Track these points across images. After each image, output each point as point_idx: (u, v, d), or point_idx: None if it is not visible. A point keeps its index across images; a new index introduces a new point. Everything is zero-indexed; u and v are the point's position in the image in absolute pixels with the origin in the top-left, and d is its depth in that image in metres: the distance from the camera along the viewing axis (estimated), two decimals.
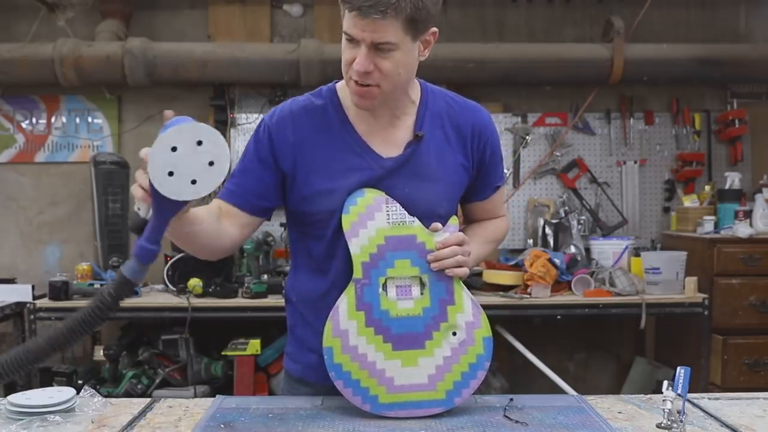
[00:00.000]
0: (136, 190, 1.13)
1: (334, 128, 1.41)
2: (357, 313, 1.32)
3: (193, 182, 1.07)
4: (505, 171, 1.59)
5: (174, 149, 1.05)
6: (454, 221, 1.39)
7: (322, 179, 1.37)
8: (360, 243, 1.34)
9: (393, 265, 1.33)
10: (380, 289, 1.33)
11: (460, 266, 1.34)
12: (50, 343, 1.08)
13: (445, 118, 1.45)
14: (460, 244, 1.35)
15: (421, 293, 1.33)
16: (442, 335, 1.32)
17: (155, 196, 1.08)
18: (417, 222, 1.36)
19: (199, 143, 1.06)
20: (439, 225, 1.36)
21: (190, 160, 1.06)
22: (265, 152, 1.41)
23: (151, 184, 1.07)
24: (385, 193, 1.37)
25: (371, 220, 1.35)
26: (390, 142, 1.41)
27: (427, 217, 1.37)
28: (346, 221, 1.35)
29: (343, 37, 1.30)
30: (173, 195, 1.07)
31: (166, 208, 1.10)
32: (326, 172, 1.38)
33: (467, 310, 1.33)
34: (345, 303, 1.33)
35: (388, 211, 1.36)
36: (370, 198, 1.36)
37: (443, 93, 1.49)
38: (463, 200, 1.52)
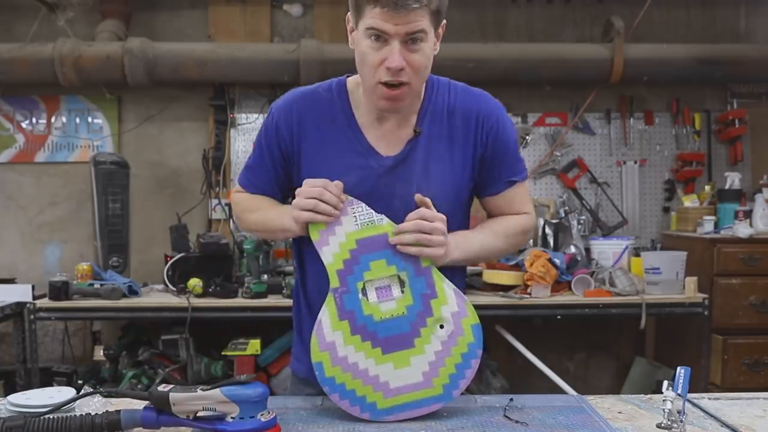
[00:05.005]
0: None
1: (339, 124, 1.40)
2: (341, 323, 1.29)
3: None
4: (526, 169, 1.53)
5: None
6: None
7: (321, 174, 1.35)
8: (331, 251, 1.31)
9: (369, 268, 1.30)
10: (360, 295, 1.30)
11: (427, 245, 1.29)
12: None
13: (446, 112, 1.41)
14: (424, 219, 1.29)
15: (402, 291, 1.30)
16: (429, 330, 1.29)
17: None
18: (386, 219, 1.32)
19: None
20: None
21: None
22: (273, 144, 1.44)
23: None
24: (384, 191, 1.36)
25: (339, 225, 1.32)
26: (394, 142, 1.40)
27: None
28: (314, 231, 1.32)
29: (366, 38, 1.27)
30: None
31: None
32: (327, 167, 1.37)
33: (451, 301, 1.30)
34: (327, 315, 1.30)
35: (354, 213, 1.32)
36: None
37: (448, 84, 1.46)
38: (478, 195, 1.50)
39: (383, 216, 1.33)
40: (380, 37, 1.25)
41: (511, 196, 1.49)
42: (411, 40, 1.25)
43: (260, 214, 1.47)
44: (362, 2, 1.25)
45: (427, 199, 1.34)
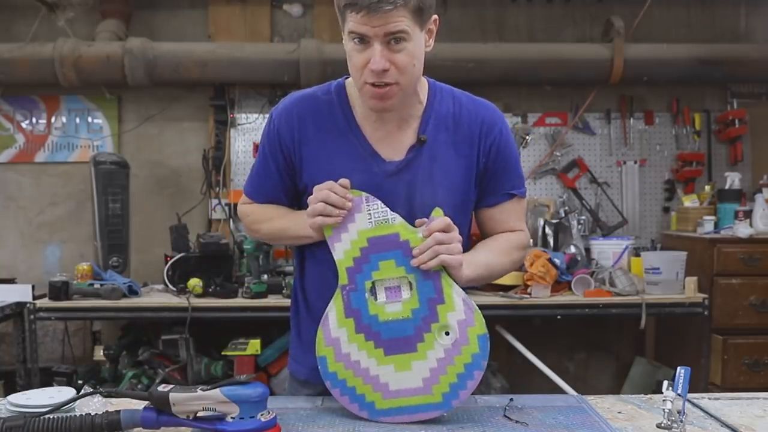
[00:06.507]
0: None
1: (340, 127, 1.40)
2: (346, 320, 1.29)
3: None
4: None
5: None
6: (437, 213, 1.31)
7: (323, 178, 1.35)
8: (343, 248, 1.31)
9: (378, 268, 1.29)
10: (367, 294, 1.29)
11: (446, 253, 1.26)
12: None
13: (451, 120, 1.41)
14: (444, 230, 1.27)
15: (410, 294, 1.29)
16: (433, 336, 1.27)
17: None
18: (399, 219, 1.31)
19: None
20: (423, 220, 1.30)
21: None
22: (276, 151, 1.44)
23: None
24: (386, 196, 1.34)
25: (352, 222, 1.31)
26: (395, 146, 1.40)
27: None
28: (327, 228, 1.32)
29: (351, 41, 1.28)
30: None
31: None
32: (328, 171, 1.37)
33: (458, 308, 1.27)
34: (334, 311, 1.30)
35: (369, 210, 1.31)
36: None
37: (452, 92, 1.46)
38: (474, 208, 1.48)
39: (396, 215, 1.31)
40: (363, 39, 1.26)
41: (507, 209, 1.47)
42: (394, 40, 1.25)
43: (275, 223, 1.47)
44: (342, 8, 1.26)
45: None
